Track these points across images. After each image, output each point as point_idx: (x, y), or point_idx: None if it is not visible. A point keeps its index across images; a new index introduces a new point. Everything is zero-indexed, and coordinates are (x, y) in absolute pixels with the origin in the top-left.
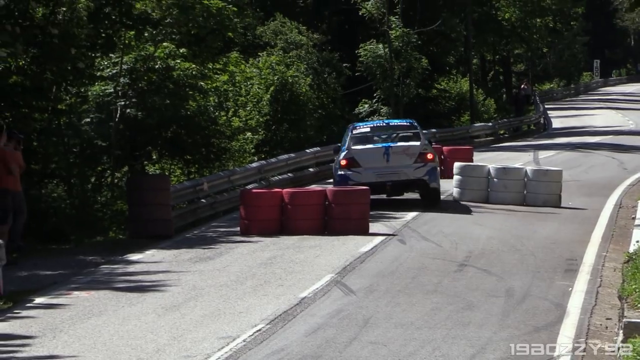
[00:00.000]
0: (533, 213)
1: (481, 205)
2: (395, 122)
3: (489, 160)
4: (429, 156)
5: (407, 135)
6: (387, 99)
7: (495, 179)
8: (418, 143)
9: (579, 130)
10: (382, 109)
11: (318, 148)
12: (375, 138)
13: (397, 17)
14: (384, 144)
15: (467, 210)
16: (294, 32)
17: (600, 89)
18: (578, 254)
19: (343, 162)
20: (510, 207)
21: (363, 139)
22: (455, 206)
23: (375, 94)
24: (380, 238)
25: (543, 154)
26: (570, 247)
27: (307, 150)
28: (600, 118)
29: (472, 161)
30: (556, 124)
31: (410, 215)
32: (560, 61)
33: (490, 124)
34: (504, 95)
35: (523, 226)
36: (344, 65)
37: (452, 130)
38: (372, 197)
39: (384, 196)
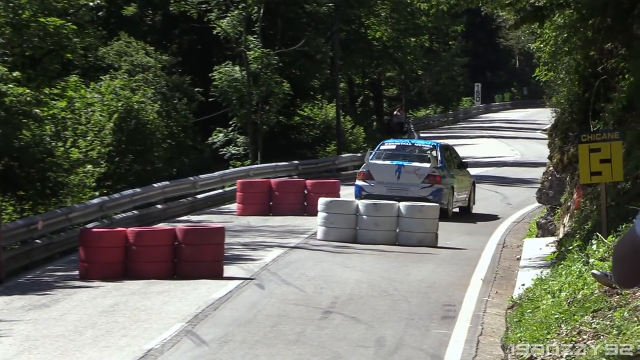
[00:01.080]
0: (407, 253)
1: (349, 246)
2: (420, 143)
3: None
4: (437, 178)
5: (424, 156)
6: (244, 127)
7: (364, 216)
8: (428, 165)
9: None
10: (238, 138)
11: (167, 182)
12: (397, 155)
13: (255, 36)
14: (397, 162)
15: (333, 251)
16: (140, 53)
17: (482, 115)
18: (457, 298)
19: (360, 174)
20: (381, 247)
21: (385, 155)
22: (319, 246)
23: (231, 122)
24: (236, 282)
25: None
26: (448, 291)
27: (155, 185)
28: (482, 148)
29: (338, 196)
30: None
31: (270, 256)
32: (437, 85)
33: (359, 154)
34: (375, 123)
35: (395, 268)
36: (196, 90)
37: (316, 162)
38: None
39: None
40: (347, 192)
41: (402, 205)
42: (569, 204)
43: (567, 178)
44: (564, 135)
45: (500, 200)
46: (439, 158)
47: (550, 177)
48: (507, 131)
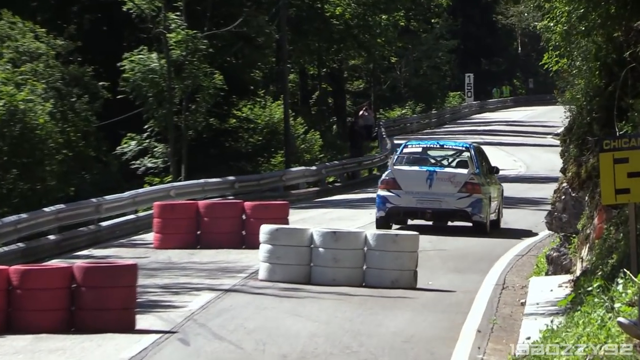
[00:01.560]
0: (376, 298)
1: (301, 288)
2: (450, 144)
3: (312, 221)
4: (476, 187)
5: (458, 160)
6: (163, 132)
7: (321, 249)
8: (466, 171)
9: None
10: (156, 147)
11: (62, 205)
12: (424, 159)
13: (178, 14)
14: (428, 168)
15: (279, 295)
16: (27, 36)
17: (475, 115)
18: (442, 356)
19: (384, 182)
20: (343, 289)
21: (411, 159)
22: (262, 289)
23: (146, 126)
24: (153, 337)
25: None
26: (431, 346)
27: (46, 209)
28: None
29: (287, 223)
30: None
31: (197, 302)
32: (417, 76)
33: (314, 167)
34: (335, 126)
35: (362, 317)
36: (100, 84)
37: (258, 177)
38: (412, 222)
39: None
40: (299, 218)
41: (370, 234)
42: (588, 231)
43: (586, 197)
44: (582, 142)
45: (500, 227)
46: (475, 162)
47: (563, 197)
48: (507, 136)
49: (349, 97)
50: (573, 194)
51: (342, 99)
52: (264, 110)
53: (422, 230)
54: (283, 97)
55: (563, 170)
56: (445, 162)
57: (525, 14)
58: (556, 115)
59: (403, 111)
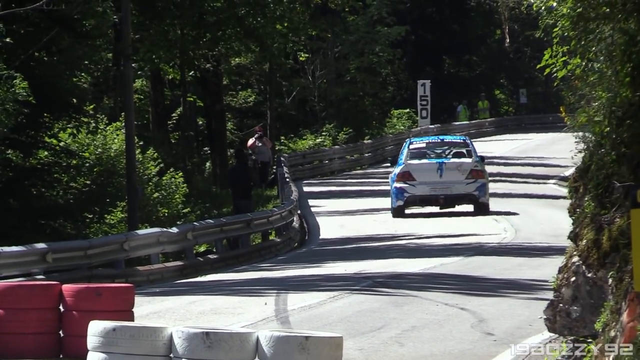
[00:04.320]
0: None
1: None
2: (449, 138)
3: (172, 315)
4: (480, 173)
5: (460, 152)
6: None
7: None
8: (470, 160)
9: (385, 244)
10: None
11: None
12: (430, 153)
13: None
14: (437, 160)
15: None
16: None
17: None
18: None
19: (399, 176)
20: None
21: (419, 153)
22: None
23: None
24: None
25: (298, 301)
26: None
27: None
28: (438, 218)
29: (132, 318)
30: (329, 228)
31: None
32: (341, 84)
33: (175, 230)
34: (209, 163)
35: None
36: None
37: (85, 245)
38: (425, 208)
39: (437, 208)
40: (150, 310)
41: (265, 336)
42: (612, 333)
43: (610, 280)
44: (603, 191)
45: (472, 325)
46: (474, 152)
47: (574, 279)
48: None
49: (232, 116)
50: (589, 275)
51: (221, 119)
52: (95, 137)
53: (354, 325)
54: (125, 117)
55: (573, 237)
56: (448, 154)
57: None
58: (563, 149)
59: (318, 140)
